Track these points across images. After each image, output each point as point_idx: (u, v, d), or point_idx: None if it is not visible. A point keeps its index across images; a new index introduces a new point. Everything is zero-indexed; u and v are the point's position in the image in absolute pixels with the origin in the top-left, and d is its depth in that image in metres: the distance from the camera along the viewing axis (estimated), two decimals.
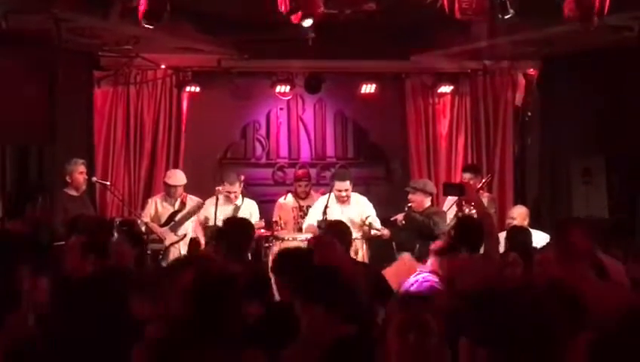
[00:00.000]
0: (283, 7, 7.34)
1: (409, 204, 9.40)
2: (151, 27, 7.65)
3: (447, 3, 7.47)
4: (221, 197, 10.04)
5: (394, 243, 9.37)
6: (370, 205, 9.99)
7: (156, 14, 7.26)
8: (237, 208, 10.04)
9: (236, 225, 7.22)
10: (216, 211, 9.77)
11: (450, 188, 9.39)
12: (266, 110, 12.39)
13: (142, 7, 7.07)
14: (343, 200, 9.73)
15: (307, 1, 7.36)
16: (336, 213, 9.48)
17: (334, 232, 7.03)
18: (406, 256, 7.99)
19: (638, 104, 9.94)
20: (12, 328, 4.36)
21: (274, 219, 10.17)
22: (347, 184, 9.79)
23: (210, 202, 10.11)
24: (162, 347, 3.55)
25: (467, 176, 10.35)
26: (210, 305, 3.54)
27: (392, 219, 9.58)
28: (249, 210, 10.02)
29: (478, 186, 9.91)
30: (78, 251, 5.89)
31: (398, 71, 12.06)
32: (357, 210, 9.77)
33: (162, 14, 7.33)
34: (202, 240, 10.13)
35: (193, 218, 10.17)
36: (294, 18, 7.50)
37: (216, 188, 10.10)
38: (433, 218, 9.20)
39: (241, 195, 10.19)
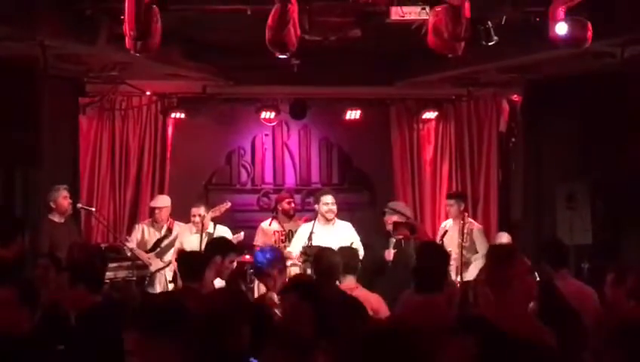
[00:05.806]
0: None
1: (397, 237, 9.34)
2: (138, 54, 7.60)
3: (431, 32, 7.49)
4: (192, 225, 9.89)
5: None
6: (355, 232, 9.72)
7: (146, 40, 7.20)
8: (210, 235, 9.64)
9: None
10: (201, 238, 9.57)
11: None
12: (251, 136, 12.43)
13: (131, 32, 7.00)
14: (329, 217, 9.47)
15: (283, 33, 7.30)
16: (321, 237, 9.39)
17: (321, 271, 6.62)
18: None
19: (621, 129, 10.02)
20: None
21: (255, 243, 10.00)
22: (331, 198, 9.59)
23: (182, 229, 10.06)
24: None
25: (451, 202, 10.38)
26: None
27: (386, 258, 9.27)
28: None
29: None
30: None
31: (382, 97, 12.12)
32: (343, 235, 9.47)
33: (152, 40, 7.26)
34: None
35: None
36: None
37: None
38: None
39: (212, 222, 9.94)
